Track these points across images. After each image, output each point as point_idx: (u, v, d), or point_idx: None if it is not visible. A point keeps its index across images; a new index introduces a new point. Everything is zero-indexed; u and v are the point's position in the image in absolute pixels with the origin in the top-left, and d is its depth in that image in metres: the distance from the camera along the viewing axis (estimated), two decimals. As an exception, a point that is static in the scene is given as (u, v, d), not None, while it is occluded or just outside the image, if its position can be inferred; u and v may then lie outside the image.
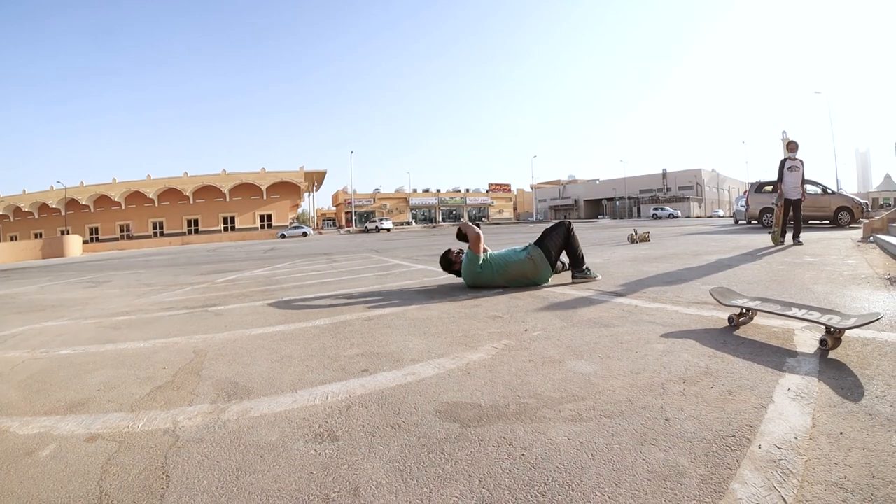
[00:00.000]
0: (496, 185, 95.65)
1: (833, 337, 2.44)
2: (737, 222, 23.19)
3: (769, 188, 17.04)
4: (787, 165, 9.20)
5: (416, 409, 2.07)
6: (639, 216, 71.03)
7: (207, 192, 62.38)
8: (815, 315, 2.62)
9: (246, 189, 63.67)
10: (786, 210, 9.16)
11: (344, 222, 78.76)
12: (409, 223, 77.46)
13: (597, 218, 74.49)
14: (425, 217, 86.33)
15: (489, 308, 4.18)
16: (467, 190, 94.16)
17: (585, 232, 24.40)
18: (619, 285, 5.00)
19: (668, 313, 3.55)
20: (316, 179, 70.50)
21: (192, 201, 61.95)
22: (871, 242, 8.83)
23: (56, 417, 2.23)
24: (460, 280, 5.75)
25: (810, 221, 16.41)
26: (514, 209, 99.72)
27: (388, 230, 55.38)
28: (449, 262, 5.70)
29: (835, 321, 2.48)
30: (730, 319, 3.04)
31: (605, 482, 1.45)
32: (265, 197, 64.28)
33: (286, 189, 65.60)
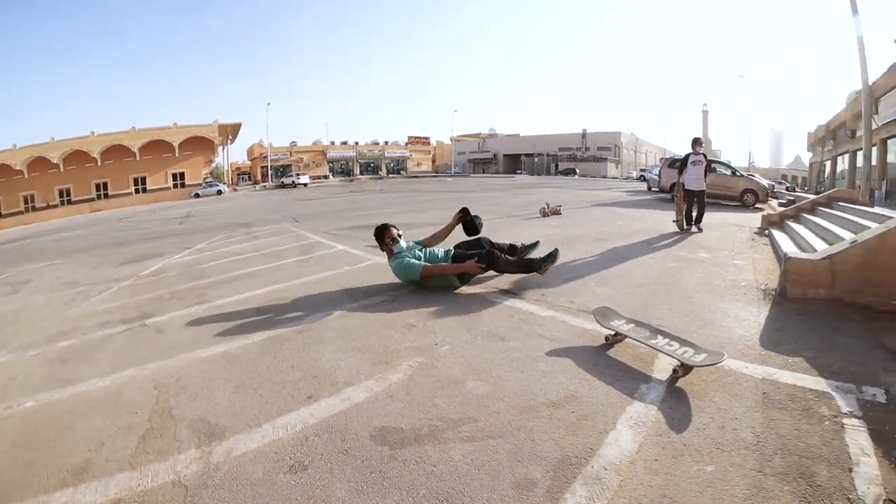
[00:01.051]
0: (415, 137, 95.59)
1: (684, 367, 3.17)
2: (649, 189, 26.01)
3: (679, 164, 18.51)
4: (690, 160, 10.57)
5: (357, 434, 2.67)
6: (556, 172, 73.19)
7: (116, 151, 58.30)
8: (674, 347, 3.32)
9: (157, 146, 60.24)
10: (689, 200, 10.34)
11: (259, 177, 76.32)
12: (326, 177, 75.79)
13: (515, 173, 75.55)
14: (343, 170, 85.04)
15: (405, 315, 4.72)
16: (386, 142, 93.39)
17: (501, 192, 25.30)
18: (521, 284, 5.66)
19: (557, 325, 4.23)
20: (230, 132, 67.84)
21: (100, 163, 57.76)
22: (766, 236, 10.03)
23: (70, 490, 2.41)
24: (377, 270, 6.32)
25: (720, 201, 17.94)
26: (433, 162, 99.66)
27: (305, 185, 55.09)
28: (381, 241, 5.81)
29: (687, 355, 3.18)
30: (606, 338, 3.75)
31: (485, 490, 2.18)
32: (177, 154, 61.30)
33: (199, 144, 62.84)
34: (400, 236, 5.70)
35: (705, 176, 10.47)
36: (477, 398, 2.99)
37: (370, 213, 15.39)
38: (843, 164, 34.36)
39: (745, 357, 3.53)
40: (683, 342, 3.43)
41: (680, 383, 3.12)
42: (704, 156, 10.55)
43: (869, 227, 7.69)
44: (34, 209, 54.22)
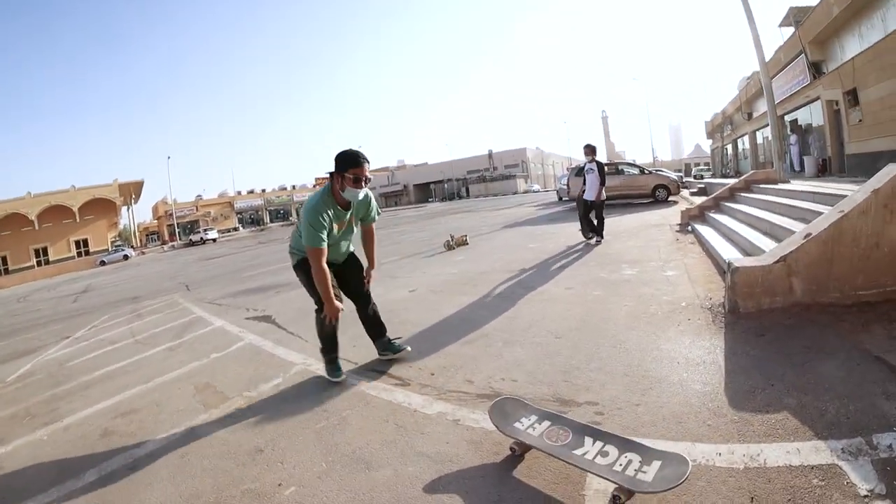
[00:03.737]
0: (322, 178, 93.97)
1: (627, 492, 2.03)
2: (560, 199, 27.07)
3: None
4: (585, 169, 10.02)
5: None
6: (468, 196, 75.36)
7: (13, 221, 54.16)
8: (610, 458, 2.19)
9: (57, 213, 56.57)
10: (585, 210, 9.83)
11: (167, 236, 73.57)
12: (235, 229, 74.79)
13: (427, 202, 77.05)
14: (252, 219, 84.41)
15: (255, 430, 3.57)
16: (293, 186, 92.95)
17: (409, 226, 24.41)
18: (406, 357, 4.52)
19: (447, 429, 3.02)
20: (133, 191, 64.97)
21: None
22: (690, 233, 9.34)
23: None
24: (244, 357, 5.42)
25: (633, 200, 18.51)
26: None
27: (214, 240, 54.17)
28: (341, 169, 3.86)
29: (630, 472, 2.07)
30: (511, 449, 2.57)
31: None
32: (78, 219, 57.90)
33: (101, 207, 59.62)
34: (366, 182, 3.89)
35: (601, 184, 9.77)
36: None
37: (268, 271, 14.09)
38: (742, 145, 36.51)
39: (714, 435, 2.53)
40: (623, 444, 2.33)
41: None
42: (598, 163, 9.87)
43: (797, 207, 7.03)
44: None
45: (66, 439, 4.24)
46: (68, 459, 3.79)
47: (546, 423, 2.58)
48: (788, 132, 22.66)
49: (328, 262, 3.88)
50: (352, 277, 4.40)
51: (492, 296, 6.43)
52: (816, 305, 4.11)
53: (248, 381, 4.70)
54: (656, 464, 2.10)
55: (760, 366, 3.20)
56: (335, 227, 3.94)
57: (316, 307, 4.15)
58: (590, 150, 9.98)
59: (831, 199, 6.37)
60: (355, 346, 4.96)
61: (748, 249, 6.42)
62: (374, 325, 4.52)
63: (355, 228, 4.28)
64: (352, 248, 4.45)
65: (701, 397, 2.88)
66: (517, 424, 2.62)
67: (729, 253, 6.45)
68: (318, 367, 4.52)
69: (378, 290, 7.90)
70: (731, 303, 4.31)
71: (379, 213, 4.47)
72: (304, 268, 4.02)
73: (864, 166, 15.34)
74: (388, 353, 4.52)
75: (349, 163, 3.76)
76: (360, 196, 3.90)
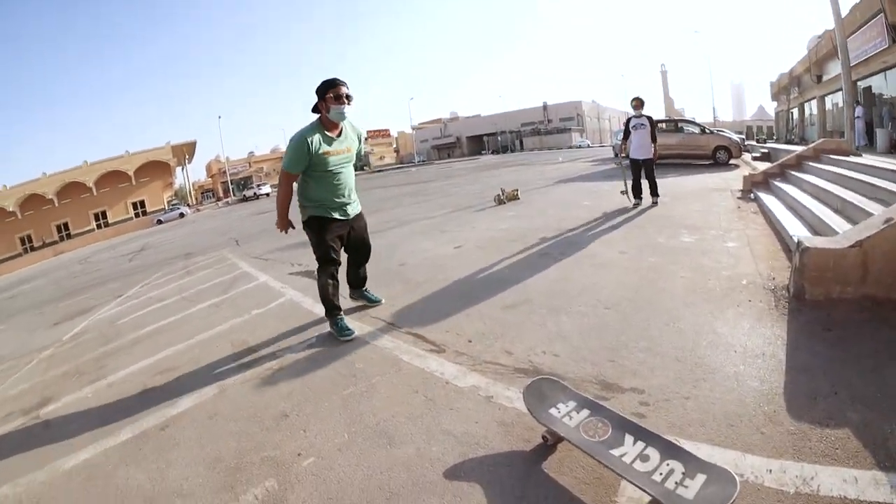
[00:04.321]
0: (375, 131, 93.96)
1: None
2: (616, 156, 25.40)
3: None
4: (632, 124, 9.20)
5: None
6: (521, 149, 74.44)
7: (72, 189, 56.30)
8: (650, 464, 1.98)
9: (113, 178, 58.37)
10: (635, 171, 9.15)
11: (221, 193, 75.42)
12: None
13: (480, 154, 76.22)
14: None
15: (282, 392, 3.57)
16: None
17: (461, 179, 24.14)
18: (444, 319, 4.41)
19: (478, 406, 2.86)
20: (186, 152, 66.32)
21: (57, 203, 55.67)
22: (753, 200, 8.86)
23: None
24: (285, 313, 5.59)
25: (693, 161, 17.54)
26: (397, 153, 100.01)
27: (267, 195, 54.38)
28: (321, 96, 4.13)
29: (671, 485, 1.86)
30: (544, 437, 2.39)
31: None
32: (134, 182, 59.62)
33: (156, 169, 61.14)
34: (348, 99, 4.06)
35: (653, 141, 9.13)
36: None
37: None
38: (810, 110, 34.05)
39: (767, 446, 2.24)
40: (667, 448, 2.09)
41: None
42: (648, 118, 9.15)
43: (873, 184, 6.53)
44: (-5, 263, 51.60)
45: (108, 396, 4.38)
46: (109, 416, 3.90)
47: (585, 413, 2.37)
48: (855, 102, 21.00)
49: (335, 210, 4.27)
50: (359, 243, 4.68)
51: (540, 256, 6.20)
52: (891, 302, 3.61)
53: (285, 338, 4.71)
54: (700, 478, 1.88)
55: (825, 367, 2.84)
56: (329, 155, 4.08)
57: (317, 266, 4.41)
58: (638, 102, 9.28)
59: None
60: (394, 304, 4.91)
61: (816, 227, 5.96)
62: (357, 279, 4.96)
63: (351, 162, 4.37)
64: (356, 201, 4.56)
65: (757, 397, 2.61)
66: (553, 411, 2.42)
67: (795, 228, 6.01)
68: (354, 326, 4.45)
69: (426, 245, 7.91)
70: (798, 287, 3.91)
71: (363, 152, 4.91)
72: (311, 226, 4.30)
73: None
74: (361, 299, 5.03)
75: (327, 86, 3.99)
76: (346, 112, 4.06)
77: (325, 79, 4.05)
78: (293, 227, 4.46)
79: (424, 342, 3.98)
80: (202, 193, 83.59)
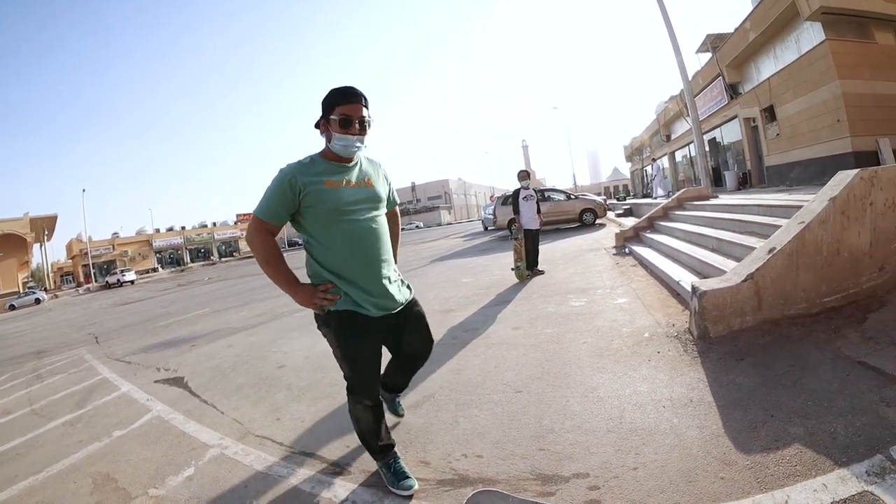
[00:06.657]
0: (244, 215, 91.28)
1: None
2: (486, 229, 28.46)
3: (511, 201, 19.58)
4: (522, 195, 9.40)
5: None
6: None
7: None
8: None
9: None
10: (528, 241, 9.33)
11: (82, 277, 69.19)
12: (154, 270, 72.07)
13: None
14: (172, 259, 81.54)
15: None
16: (214, 224, 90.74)
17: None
18: (344, 434, 3.72)
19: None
20: (46, 227, 60.59)
21: None
22: (628, 255, 9.26)
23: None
24: (148, 437, 4.46)
25: (561, 226, 19.14)
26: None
27: (132, 282, 51.27)
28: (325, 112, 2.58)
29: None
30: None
31: None
32: None
33: (10, 244, 54.75)
34: (362, 127, 2.55)
35: (538, 212, 9.45)
36: None
37: (183, 320, 13.02)
38: (664, 165, 38.64)
39: (733, 489, 2.25)
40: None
41: None
42: (534, 190, 9.57)
43: (741, 220, 7.02)
44: None
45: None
46: None
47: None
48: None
49: (369, 297, 2.61)
50: (417, 346, 3.14)
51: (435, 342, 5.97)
52: (785, 319, 4.11)
53: (155, 471, 3.78)
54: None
55: (752, 395, 3.00)
56: (338, 186, 2.53)
57: (347, 387, 2.82)
58: (525, 174, 9.60)
59: (777, 211, 6.39)
60: (279, 418, 4.30)
61: (697, 268, 6.30)
62: (397, 385, 3.55)
63: (381, 207, 2.80)
64: (401, 277, 3.05)
65: (702, 444, 2.56)
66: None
67: (679, 274, 6.30)
68: (236, 452, 3.74)
69: (302, 343, 7.14)
70: (701, 328, 4.08)
71: (398, 201, 3.23)
72: (332, 326, 2.64)
73: (784, 176, 16.68)
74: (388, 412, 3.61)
75: (335, 99, 2.52)
76: (356, 144, 2.53)
77: (336, 86, 2.57)
78: (328, 298, 2.56)
79: (322, 461, 3.36)
80: (61, 276, 77.18)
